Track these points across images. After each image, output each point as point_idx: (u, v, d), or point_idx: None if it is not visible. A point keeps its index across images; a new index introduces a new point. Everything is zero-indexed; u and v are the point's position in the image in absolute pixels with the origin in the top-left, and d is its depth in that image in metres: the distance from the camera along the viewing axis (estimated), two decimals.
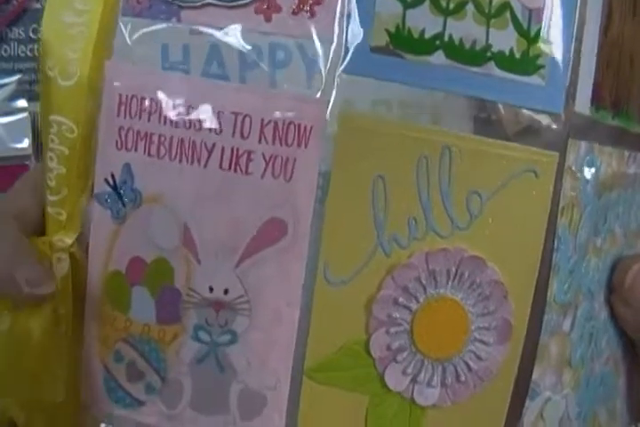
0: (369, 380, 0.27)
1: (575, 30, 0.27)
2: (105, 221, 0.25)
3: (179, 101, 0.24)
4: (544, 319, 0.28)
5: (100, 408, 0.26)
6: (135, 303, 0.25)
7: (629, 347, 0.31)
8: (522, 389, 0.28)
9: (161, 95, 0.24)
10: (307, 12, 0.25)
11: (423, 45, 0.25)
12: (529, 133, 0.26)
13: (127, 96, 0.25)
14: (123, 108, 0.25)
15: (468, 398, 0.28)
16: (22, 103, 0.55)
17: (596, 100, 0.27)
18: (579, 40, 0.27)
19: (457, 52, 0.25)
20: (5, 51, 0.55)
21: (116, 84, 0.25)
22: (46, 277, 0.27)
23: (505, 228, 0.27)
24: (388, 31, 0.25)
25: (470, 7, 0.25)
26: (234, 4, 0.25)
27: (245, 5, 0.25)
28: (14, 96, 0.56)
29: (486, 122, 0.25)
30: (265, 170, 0.24)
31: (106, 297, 0.26)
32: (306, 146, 0.24)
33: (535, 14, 0.25)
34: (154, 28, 0.25)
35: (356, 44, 0.25)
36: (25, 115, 0.55)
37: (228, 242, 0.24)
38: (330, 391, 0.27)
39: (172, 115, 0.24)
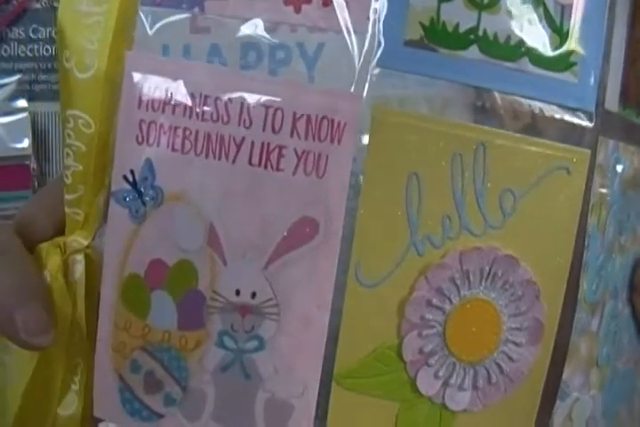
0: (400, 385, 0.27)
1: (606, 27, 0.27)
2: (123, 221, 0.23)
3: (205, 93, 0.23)
4: (574, 319, 0.28)
5: (113, 421, 0.24)
6: (155, 309, 0.24)
7: None
8: (552, 389, 0.28)
9: (186, 87, 0.23)
10: (335, 3, 0.24)
11: (458, 40, 0.25)
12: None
13: (149, 88, 0.23)
14: (144, 100, 0.23)
15: (498, 401, 0.27)
16: (22, 103, 0.56)
17: (623, 98, 0.27)
18: (609, 37, 0.27)
19: (491, 46, 0.25)
20: (5, 51, 0.55)
21: (136, 75, 0.23)
22: (47, 325, 0.26)
23: (537, 226, 0.27)
24: (422, 25, 0.24)
25: (504, 2, 0.24)
26: None
27: None
28: (14, 96, 0.56)
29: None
30: (297, 166, 0.23)
31: (122, 302, 0.24)
32: (339, 142, 0.23)
33: (567, 10, 0.25)
34: (175, 18, 0.24)
35: (389, 37, 0.24)
36: (25, 115, 0.56)
37: (257, 242, 0.23)
38: (359, 398, 0.26)
39: (198, 107, 0.23)
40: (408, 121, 0.24)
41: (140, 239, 0.24)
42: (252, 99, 0.25)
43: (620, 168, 0.27)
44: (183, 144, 0.24)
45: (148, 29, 0.24)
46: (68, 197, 0.24)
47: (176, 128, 0.23)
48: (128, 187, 0.24)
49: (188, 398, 0.25)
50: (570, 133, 0.26)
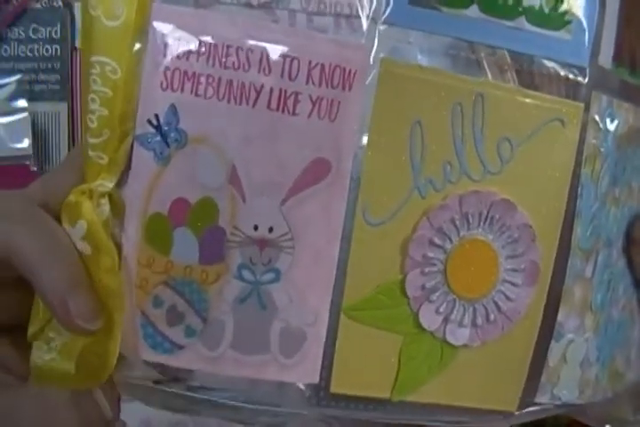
0: (403, 319, 0.31)
1: None
2: (147, 163, 0.28)
3: (228, 42, 0.28)
4: (568, 264, 0.32)
5: (136, 355, 0.29)
6: (177, 245, 0.28)
7: None
8: (547, 330, 0.32)
9: (209, 36, 0.28)
10: None
11: None
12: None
13: (174, 37, 0.28)
14: (169, 49, 0.28)
15: (496, 339, 0.31)
16: (22, 103, 0.58)
17: (617, 56, 0.31)
18: None
19: (491, 6, 0.29)
20: (5, 51, 0.58)
21: (162, 25, 0.28)
22: (98, 311, 0.28)
23: (534, 173, 0.31)
24: None
25: None
26: None
27: None
28: (14, 96, 0.59)
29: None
30: (311, 111, 0.28)
31: (145, 240, 0.28)
32: (350, 89, 0.28)
33: None
34: None
35: None
36: (25, 115, 0.58)
37: (275, 180, 0.28)
38: (366, 329, 0.31)
39: (220, 56, 0.27)
40: (412, 73, 0.28)
41: (163, 180, 0.28)
42: (271, 48, 0.29)
43: (613, 123, 0.32)
44: (206, 90, 0.28)
45: None
46: (92, 140, 0.28)
47: (200, 75, 0.27)
48: (152, 130, 0.28)
49: (208, 329, 0.29)
50: (564, 87, 0.30)
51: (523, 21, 0.29)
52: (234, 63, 0.28)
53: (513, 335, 0.32)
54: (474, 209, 0.29)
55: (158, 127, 0.28)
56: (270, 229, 0.28)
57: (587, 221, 0.32)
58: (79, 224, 0.29)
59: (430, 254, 0.29)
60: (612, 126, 0.32)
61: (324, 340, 0.30)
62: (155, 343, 0.29)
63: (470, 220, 0.30)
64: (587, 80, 0.31)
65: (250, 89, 0.27)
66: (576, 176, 0.32)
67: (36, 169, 0.59)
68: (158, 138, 0.28)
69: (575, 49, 0.30)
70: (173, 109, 0.28)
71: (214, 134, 0.28)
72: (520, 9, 0.29)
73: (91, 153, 0.28)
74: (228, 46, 0.28)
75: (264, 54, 0.28)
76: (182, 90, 0.27)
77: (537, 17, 0.29)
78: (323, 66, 0.28)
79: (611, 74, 0.32)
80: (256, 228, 0.28)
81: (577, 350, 0.32)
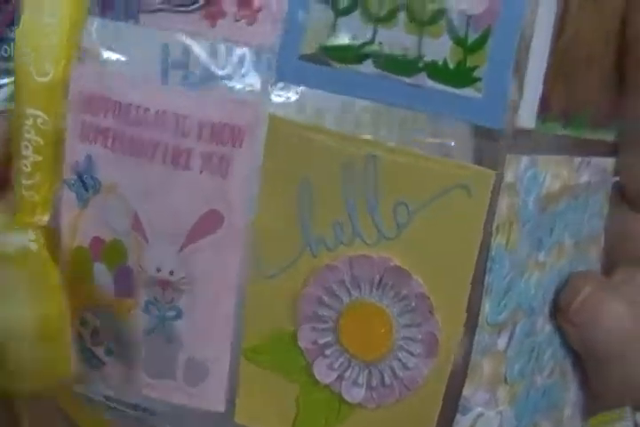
0: (299, 368, 0.34)
1: (522, 39, 0.29)
2: (72, 204, 0.34)
3: (130, 101, 0.32)
4: (475, 339, 0.32)
5: (75, 366, 0.36)
6: (97, 277, 0.34)
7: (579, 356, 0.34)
8: (452, 403, 0.33)
9: (116, 95, 0.32)
10: (247, 19, 0.31)
11: (352, 54, 0.30)
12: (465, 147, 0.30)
13: (89, 95, 0.33)
14: (86, 105, 0.33)
15: (393, 404, 0.33)
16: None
17: (544, 111, 0.30)
18: (525, 50, 0.29)
19: (387, 61, 0.29)
20: (5, 51, 0.61)
21: (81, 83, 0.33)
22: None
23: (433, 242, 0.31)
24: (318, 39, 0.30)
25: (402, 14, 0.29)
26: (183, 9, 0.31)
27: (194, 11, 0.31)
28: (14, 96, 0.61)
29: None
30: (203, 166, 0.31)
31: (71, 271, 0.34)
32: (240, 145, 0.31)
33: (474, 21, 0.29)
34: (117, 28, 0.32)
35: (287, 51, 0.30)
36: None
37: (172, 229, 0.32)
38: (265, 373, 0.35)
39: (123, 113, 0.32)
40: (299, 131, 0.31)
41: (83, 219, 0.34)
42: (167, 108, 0.33)
43: (535, 184, 0.31)
44: (113, 144, 0.33)
45: (94, 38, 0.33)
46: (26, 182, 0.35)
47: (108, 130, 0.33)
48: (75, 176, 0.34)
49: (123, 352, 0.36)
50: (471, 152, 0.30)
51: (424, 78, 0.29)
52: (136, 121, 0.32)
53: (412, 404, 0.33)
54: (365, 273, 0.31)
55: (79, 174, 0.34)
56: (171, 273, 0.33)
57: (498, 295, 0.32)
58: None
59: (320, 312, 0.32)
60: (534, 188, 0.31)
61: (226, 375, 0.35)
62: (86, 357, 0.36)
63: (361, 284, 0.32)
64: (500, 143, 0.29)
65: (148, 145, 0.32)
66: (485, 248, 0.31)
67: None
68: (79, 183, 0.34)
69: (485, 109, 0.29)
70: (89, 159, 0.34)
71: (120, 185, 0.33)
72: (421, 64, 0.29)
73: (24, 193, 0.35)
74: (130, 104, 0.32)
75: (161, 113, 0.32)
76: (95, 142, 0.33)
77: (440, 73, 0.29)
78: (213, 124, 0.31)
79: (535, 132, 0.30)
80: (158, 270, 0.34)
81: (487, 423, 0.33)
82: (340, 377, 0.33)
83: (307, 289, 0.33)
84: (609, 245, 0.37)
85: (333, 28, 0.30)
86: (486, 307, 0.32)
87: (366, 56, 0.29)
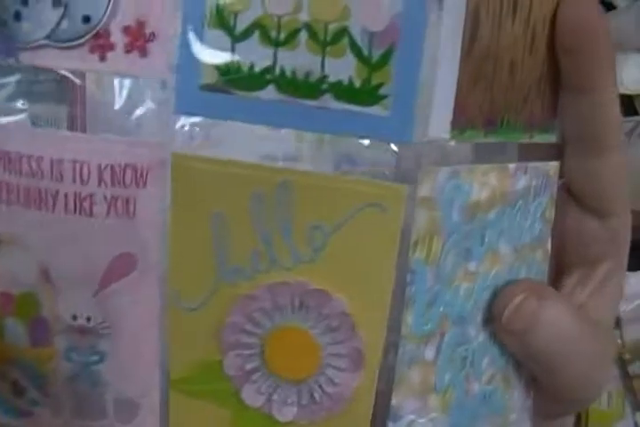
0: (228, 395, 0.25)
1: (427, 52, 0.21)
2: None
3: (21, 152, 0.23)
4: (400, 351, 0.24)
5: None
6: (10, 332, 0.26)
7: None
8: (382, 412, 0.25)
9: (5, 146, 0.23)
10: (138, 50, 0.18)
11: (253, 80, 0.22)
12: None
13: None
14: None
15: (325, 418, 0.25)
16: (22, 104, 0.47)
17: (461, 121, 0.23)
18: (432, 63, 0.21)
19: (289, 85, 0.21)
20: None
21: None
22: None
23: (351, 261, 0.23)
24: (217, 67, 0.19)
25: (303, 35, 0.19)
26: (68, 44, 0.19)
27: (80, 45, 0.19)
28: (14, 96, 0.47)
29: None
30: (108, 210, 0.22)
31: None
32: (144, 185, 0.21)
33: (377, 38, 0.20)
34: None
35: (185, 83, 0.20)
36: (25, 115, 0.46)
37: (84, 277, 0.27)
38: (196, 403, 0.25)
39: (15, 164, 0.22)
40: (204, 165, 0.21)
41: None
42: (60, 155, 0.23)
43: (458, 195, 0.23)
44: (9, 197, 0.24)
45: None
46: None
47: (0, 182, 0.24)
48: None
49: (49, 401, 0.29)
50: (383, 169, 0.19)
51: (329, 99, 0.20)
52: (28, 172, 0.23)
53: (344, 417, 0.25)
54: (285, 299, 0.24)
55: None
56: (88, 319, 0.26)
57: (422, 307, 0.24)
58: None
59: (244, 340, 0.27)
60: (458, 199, 0.23)
61: (158, 409, 0.26)
62: (6, 409, 0.24)
63: (282, 309, 0.25)
64: (412, 158, 0.21)
65: (46, 195, 0.22)
66: (404, 263, 0.23)
67: None
68: None
69: (394, 126, 0.22)
70: None
71: (22, 237, 0.26)
72: (325, 86, 0.21)
73: None
74: (22, 155, 0.21)
75: (54, 162, 0.21)
76: None
77: (346, 93, 0.20)
78: (112, 167, 0.21)
79: (452, 143, 0.22)
80: (74, 317, 0.26)
81: None
82: (269, 399, 0.25)
83: (228, 319, 0.24)
84: (561, 247, 0.28)
85: (231, 55, 0.18)
86: (409, 319, 0.24)
87: (268, 82, 0.18)
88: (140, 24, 0.21)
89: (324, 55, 0.21)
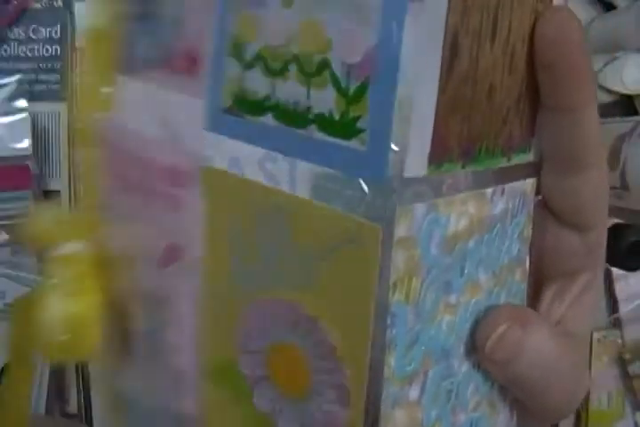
0: (244, 393, 0.25)
1: (403, 86, 0.20)
2: None
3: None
4: (383, 393, 0.23)
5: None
6: None
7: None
8: None
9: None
10: (188, 70, 0.23)
11: (256, 107, 0.23)
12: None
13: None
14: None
15: None
16: (22, 103, 0.46)
17: (438, 154, 0.21)
18: (408, 97, 0.20)
19: (283, 113, 0.23)
20: (5, 51, 0.47)
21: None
22: None
23: (336, 295, 0.23)
24: (232, 92, 0.22)
25: (293, 67, 0.20)
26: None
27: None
28: (14, 96, 0.46)
29: None
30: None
31: None
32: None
33: (355, 70, 0.20)
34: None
35: (212, 104, 0.23)
36: (25, 115, 0.45)
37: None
38: (221, 392, 0.26)
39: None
40: (228, 182, 0.24)
41: None
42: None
43: (439, 229, 0.22)
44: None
45: None
46: None
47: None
48: None
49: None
50: (357, 206, 0.20)
51: (314, 130, 0.21)
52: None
53: None
54: (286, 317, 0.25)
55: None
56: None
57: (404, 348, 0.23)
58: None
59: (252, 347, 0.24)
60: (436, 233, 0.22)
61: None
62: None
63: (281, 325, 0.25)
64: (384, 198, 0.21)
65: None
66: (383, 305, 0.21)
67: (35, 169, 0.48)
68: None
69: (370, 161, 0.20)
70: None
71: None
72: (311, 116, 0.22)
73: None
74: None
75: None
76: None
77: (328, 125, 0.22)
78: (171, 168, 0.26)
79: (428, 178, 0.21)
80: None
81: None
82: (274, 409, 0.24)
83: (240, 322, 0.24)
84: (539, 261, 0.27)
85: (242, 82, 0.20)
86: (391, 361, 0.23)
87: (267, 109, 0.19)
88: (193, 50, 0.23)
89: (309, 86, 0.21)
